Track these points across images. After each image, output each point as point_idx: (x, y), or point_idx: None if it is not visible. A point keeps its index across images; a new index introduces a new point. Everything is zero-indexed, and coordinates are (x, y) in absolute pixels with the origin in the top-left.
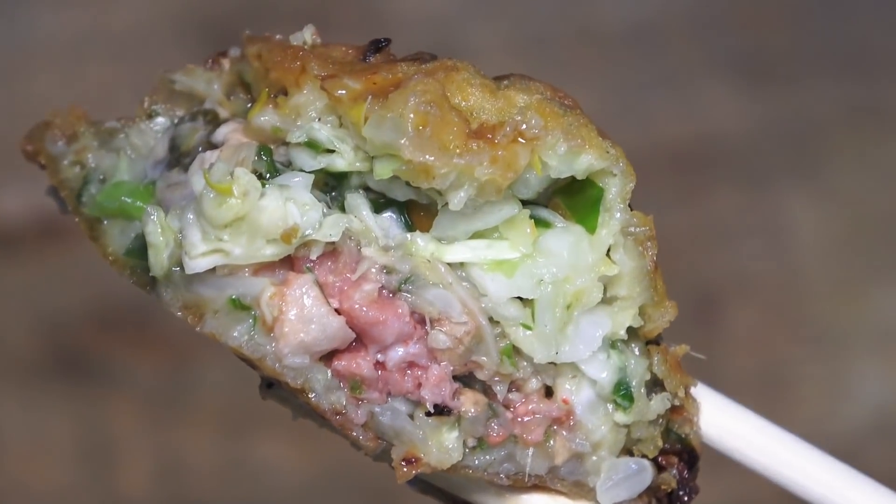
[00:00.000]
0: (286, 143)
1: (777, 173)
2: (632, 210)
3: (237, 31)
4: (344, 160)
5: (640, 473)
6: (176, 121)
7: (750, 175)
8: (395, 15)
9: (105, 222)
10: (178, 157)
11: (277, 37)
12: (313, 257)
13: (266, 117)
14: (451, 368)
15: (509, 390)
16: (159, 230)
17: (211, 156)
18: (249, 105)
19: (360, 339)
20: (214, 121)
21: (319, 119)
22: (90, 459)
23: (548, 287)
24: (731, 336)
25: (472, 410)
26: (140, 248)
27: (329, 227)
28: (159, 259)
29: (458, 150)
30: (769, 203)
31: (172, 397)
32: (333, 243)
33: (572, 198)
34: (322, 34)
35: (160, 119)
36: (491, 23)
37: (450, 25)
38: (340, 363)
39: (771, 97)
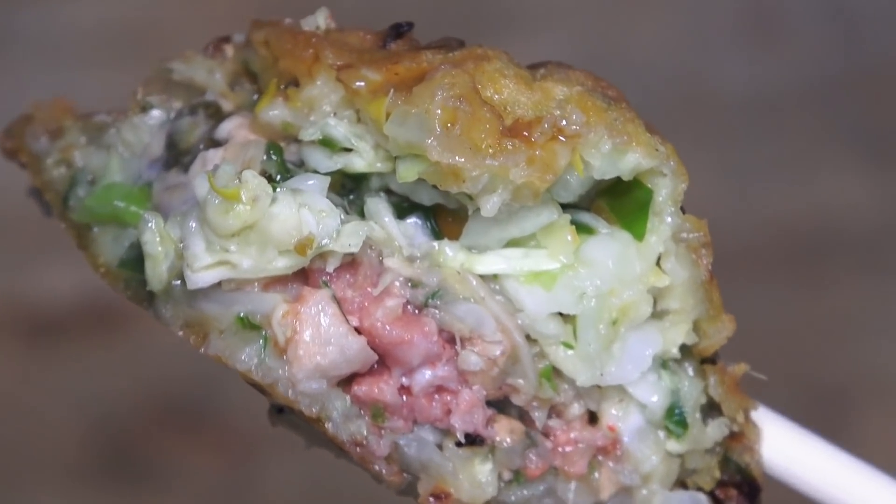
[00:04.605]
0: (298, 141)
1: None
2: (684, 213)
3: None
4: (363, 160)
5: None
6: (173, 115)
7: (879, 263)
8: None
9: (95, 229)
10: (177, 156)
11: (287, 21)
12: (330, 270)
13: (275, 111)
14: (484, 393)
15: (549, 417)
16: (158, 239)
17: (214, 155)
18: (256, 97)
19: (383, 361)
20: (217, 115)
21: (335, 114)
22: None
23: (591, 301)
24: (861, 441)
25: (508, 440)
26: (136, 259)
27: (348, 237)
28: (158, 272)
29: (490, 150)
30: None
31: (233, 499)
32: (353, 254)
33: (618, 201)
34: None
35: (155, 112)
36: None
37: None
38: (361, 388)
39: None
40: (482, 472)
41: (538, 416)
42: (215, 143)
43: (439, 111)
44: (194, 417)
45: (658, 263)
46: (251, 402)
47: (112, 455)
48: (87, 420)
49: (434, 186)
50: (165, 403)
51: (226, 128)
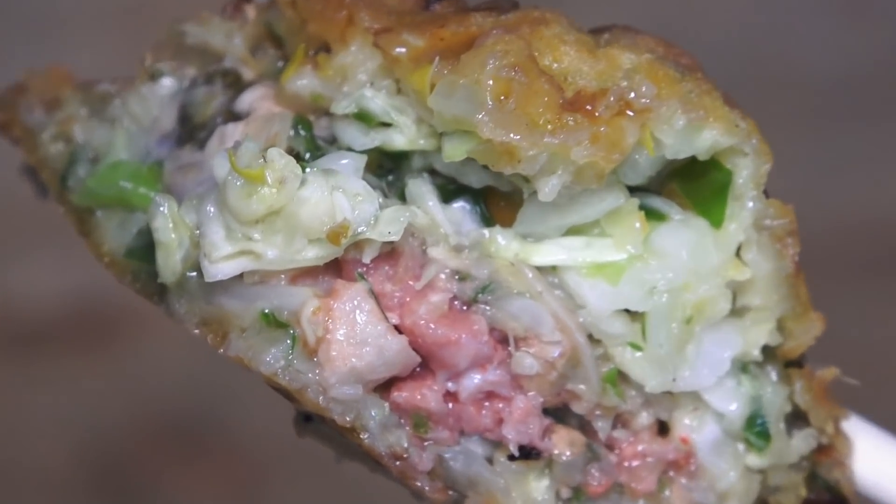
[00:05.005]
0: (329, 114)
1: None
2: (768, 197)
3: None
4: (404, 136)
5: None
6: (186, 84)
7: None
8: None
9: (98, 213)
10: (191, 131)
11: None
12: (367, 261)
13: (304, 81)
14: (541, 400)
15: (613, 427)
16: (170, 225)
17: (234, 130)
18: (281, 64)
19: (427, 363)
20: (236, 84)
21: (372, 84)
22: None
23: (662, 296)
24: None
25: (567, 453)
26: (145, 248)
27: (387, 223)
28: (170, 262)
29: (549, 127)
30: None
31: None
32: (392, 243)
33: (693, 183)
34: None
35: (166, 81)
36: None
37: None
38: (401, 394)
39: None
40: (538, 490)
41: (601, 426)
42: (235, 117)
43: (491, 82)
44: (195, 439)
45: (738, 254)
46: (261, 421)
47: (101, 482)
48: (73, 442)
49: (485, 167)
50: (163, 423)
51: (247, 99)
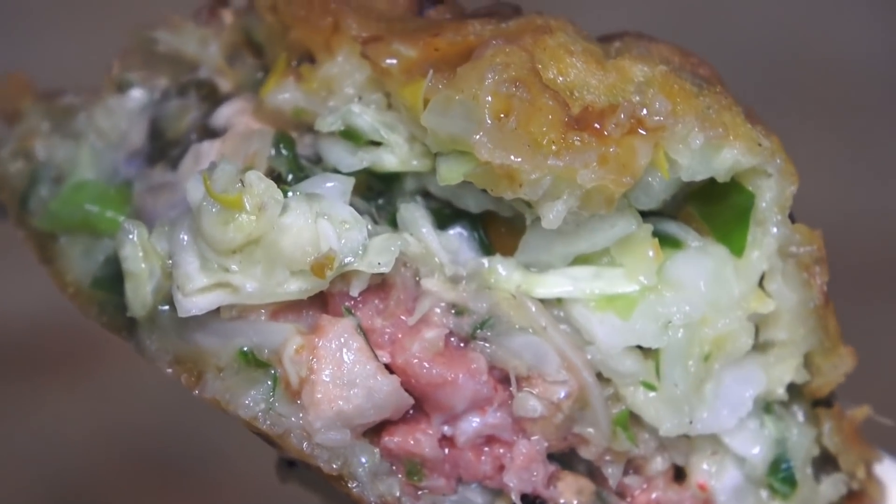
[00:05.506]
0: (314, 132)
1: None
2: (793, 222)
3: None
4: (395, 157)
5: None
6: (158, 95)
7: None
8: None
9: (62, 239)
10: (163, 148)
11: None
12: (355, 294)
13: (285, 94)
14: (546, 444)
15: (625, 473)
16: (140, 254)
17: (209, 148)
18: (261, 75)
19: (421, 405)
20: (212, 96)
21: (360, 98)
22: None
23: (678, 331)
24: None
25: (575, 502)
26: (113, 277)
27: (376, 253)
28: (140, 294)
29: (553, 147)
30: None
31: None
32: (382, 274)
33: (711, 207)
34: None
35: (136, 92)
36: (689, 39)
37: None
38: (393, 439)
39: None
40: None
41: (612, 472)
42: (210, 133)
43: (490, 98)
44: (179, 475)
45: (761, 284)
46: (253, 455)
47: None
48: (41, 477)
49: (483, 191)
50: (142, 457)
51: (224, 113)
